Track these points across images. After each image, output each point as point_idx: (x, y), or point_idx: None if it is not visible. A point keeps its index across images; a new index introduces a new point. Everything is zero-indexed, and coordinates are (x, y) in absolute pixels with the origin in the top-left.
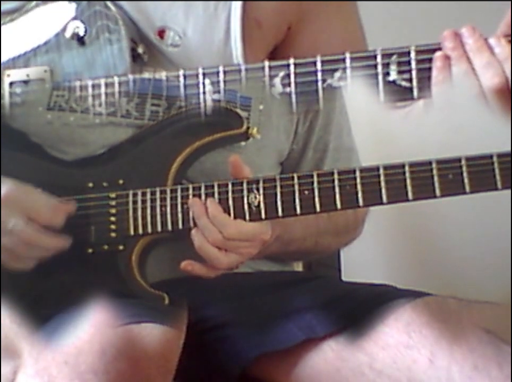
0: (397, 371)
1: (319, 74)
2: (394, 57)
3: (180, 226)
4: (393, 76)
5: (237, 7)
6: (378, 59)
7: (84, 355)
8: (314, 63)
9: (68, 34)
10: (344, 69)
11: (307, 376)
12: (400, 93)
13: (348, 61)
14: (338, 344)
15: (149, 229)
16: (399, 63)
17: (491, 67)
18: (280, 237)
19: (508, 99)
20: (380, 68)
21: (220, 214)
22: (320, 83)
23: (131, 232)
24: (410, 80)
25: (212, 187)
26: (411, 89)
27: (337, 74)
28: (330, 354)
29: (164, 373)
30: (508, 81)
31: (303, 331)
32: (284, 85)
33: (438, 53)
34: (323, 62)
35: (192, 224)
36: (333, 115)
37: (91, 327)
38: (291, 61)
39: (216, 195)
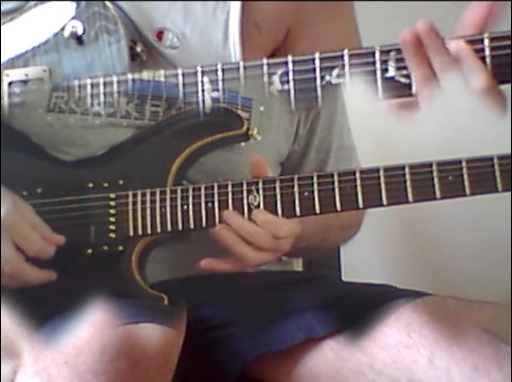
0: (396, 371)
1: (317, 71)
2: (392, 53)
3: (180, 227)
4: (391, 72)
5: (235, 9)
6: (377, 55)
7: (84, 355)
8: (313, 60)
9: (66, 33)
10: (342, 66)
11: (307, 376)
12: (399, 89)
13: (346, 58)
14: (337, 344)
15: (149, 230)
16: (398, 60)
17: (449, 68)
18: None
19: (494, 98)
20: (378, 64)
21: (270, 217)
22: (318, 80)
23: (131, 233)
24: (408, 76)
25: (212, 187)
26: (409, 85)
27: (335, 71)
28: (330, 354)
29: (163, 373)
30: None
31: (303, 331)
32: (283, 83)
33: (406, 36)
34: (321, 59)
35: (192, 225)
36: (336, 116)
37: (90, 327)
38: (290, 58)
39: (216, 196)
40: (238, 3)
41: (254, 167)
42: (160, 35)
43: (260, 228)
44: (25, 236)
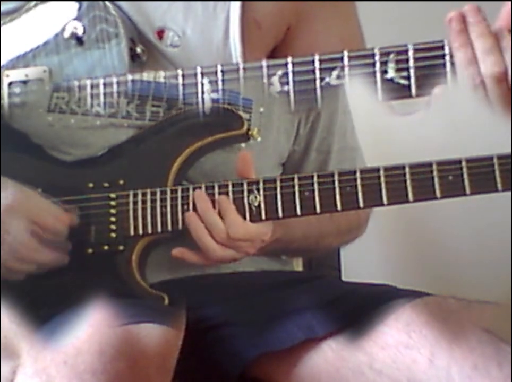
0: (396, 371)
1: (317, 73)
2: (392, 55)
3: (180, 226)
4: (391, 74)
5: (236, 8)
6: (376, 57)
7: (83, 355)
8: (312, 62)
9: (66, 34)
10: (342, 67)
11: (307, 376)
12: (398, 91)
13: (346, 59)
14: (337, 344)
15: (149, 230)
16: (397, 61)
17: (492, 53)
18: (280, 238)
19: (506, 92)
20: (378, 66)
21: (233, 213)
22: (318, 82)
23: (132, 232)
24: (408, 78)
25: (213, 187)
26: (409, 87)
27: (335, 72)
28: (330, 354)
29: (163, 373)
30: (507, 72)
31: (303, 331)
32: (282, 84)
33: (452, 14)
34: (321, 61)
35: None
36: (336, 116)
37: (90, 327)
38: (289, 59)
39: (216, 196)
40: (238, 2)
41: (239, 163)
42: (160, 34)
43: (220, 221)
44: (40, 216)
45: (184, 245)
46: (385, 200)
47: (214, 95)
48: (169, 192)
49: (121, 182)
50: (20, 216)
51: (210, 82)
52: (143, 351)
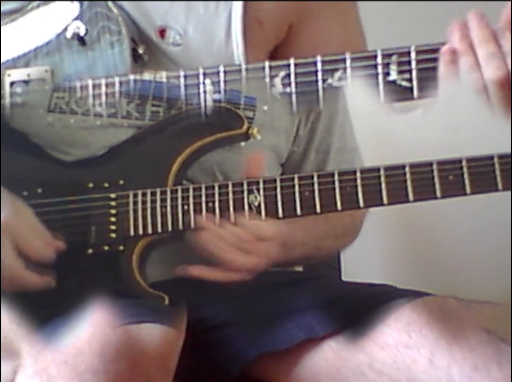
0: (396, 371)
1: (319, 74)
2: (394, 57)
3: (181, 226)
4: (393, 76)
5: (237, 6)
6: (379, 59)
7: (84, 355)
8: (314, 63)
9: (68, 34)
10: (344, 69)
11: (307, 376)
12: (400, 93)
13: (348, 61)
14: (337, 344)
15: (149, 230)
16: (399, 63)
17: (494, 58)
18: (285, 242)
19: (508, 95)
20: (380, 68)
21: (253, 221)
22: (320, 83)
23: (132, 233)
24: (410, 80)
25: (213, 187)
26: (411, 89)
27: (337, 74)
28: (330, 354)
29: (163, 373)
30: (509, 75)
31: (303, 331)
32: (284, 85)
33: (445, 47)
34: (323, 62)
35: (192, 225)
36: (336, 116)
37: (90, 327)
38: (292, 61)
39: (216, 196)
40: (240, 1)
41: (251, 162)
42: (162, 33)
43: (237, 228)
44: (27, 241)
45: (185, 246)
46: (385, 200)
47: (216, 96)
48: (169, 192)
49: (121, 182)
50: (9, 240)
51: (212, 83)
52: (143, 351)
